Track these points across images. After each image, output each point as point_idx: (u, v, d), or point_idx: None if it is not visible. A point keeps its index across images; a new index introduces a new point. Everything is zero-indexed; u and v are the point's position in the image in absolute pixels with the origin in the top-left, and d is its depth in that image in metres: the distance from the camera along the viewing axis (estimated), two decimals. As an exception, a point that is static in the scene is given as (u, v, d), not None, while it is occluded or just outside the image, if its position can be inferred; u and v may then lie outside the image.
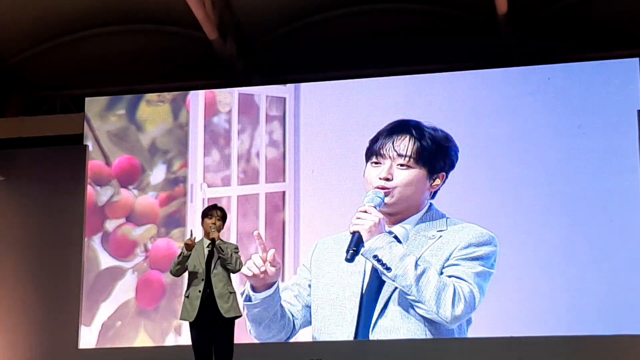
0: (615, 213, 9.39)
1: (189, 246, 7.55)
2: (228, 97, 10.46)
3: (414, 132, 9.42)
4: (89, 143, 10.72)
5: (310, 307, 9.37)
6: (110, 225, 10.47)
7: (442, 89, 10.00)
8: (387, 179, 9.23)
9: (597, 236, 9.38)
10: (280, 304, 9.24)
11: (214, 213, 7.70)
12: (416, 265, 8.80)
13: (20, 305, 10.70)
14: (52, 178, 10.92)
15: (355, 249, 8.80)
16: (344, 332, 9.24)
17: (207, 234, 7.69)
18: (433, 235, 9.13)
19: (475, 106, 9.89)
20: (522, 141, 9.72)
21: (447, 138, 9.49)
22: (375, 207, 9.02)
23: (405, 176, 9.26)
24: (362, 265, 9.17)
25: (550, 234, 9.46)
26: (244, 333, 9.32)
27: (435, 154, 9.35)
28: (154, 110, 10.64)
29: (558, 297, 9.32)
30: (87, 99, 10.86)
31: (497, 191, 9.64)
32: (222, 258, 7.54)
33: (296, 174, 10.10)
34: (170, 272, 7.77)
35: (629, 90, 9.64)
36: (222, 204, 9.96)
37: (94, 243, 10.46)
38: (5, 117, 11.46)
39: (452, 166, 9.38)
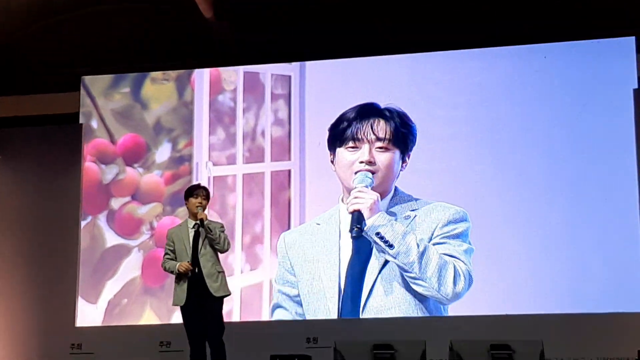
0: (611, 192, 9.45)
1: (183, 273, 7.56)
2: (233, 75, 10.45)
3: (386, 113, 9.50)
4: (94, 121, 10.70)
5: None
6: (115, 203, 10.46)
7: (446, 68, 10.02)
8: (370, 162, 9.30)
9: (594, 214, 9.44)
10: None
11: (200, 192, 7.71)
12: (417, 243, 8.92)
13: (19, 284, 10.64)
14: (49, 157, 10.86)
15: (359, 226, 8.94)
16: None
17: (192, 214, 7.70)
18: (408, 215, 9.25)
19: (477, 83, 9.92)
20: (517, 120, 9.77)
21: (408, 117, 9.59)
22: (366, 187, 9.14)
23: (385, 158, 9.36)
24: (337, 254, 9.35)
25: (549, 213, 9.53)
26: (235, 312, 9.48)
27: (406, 134, 9.47)
28: (158, 88, 10.63)
29: (557, 276, 9.39)
30: (88, 77, 10.83)
31: (498, 172, 9.71)
32: (211, 238, 7.57)
33: (302, 152, 10.11)
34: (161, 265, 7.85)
35: (625, 69, 9.69)
36: (228, 182, 10.11)
37: (100, 221, 10.46)
38: (2, 96, 11.39)
39: (414, 145, 9.50)
